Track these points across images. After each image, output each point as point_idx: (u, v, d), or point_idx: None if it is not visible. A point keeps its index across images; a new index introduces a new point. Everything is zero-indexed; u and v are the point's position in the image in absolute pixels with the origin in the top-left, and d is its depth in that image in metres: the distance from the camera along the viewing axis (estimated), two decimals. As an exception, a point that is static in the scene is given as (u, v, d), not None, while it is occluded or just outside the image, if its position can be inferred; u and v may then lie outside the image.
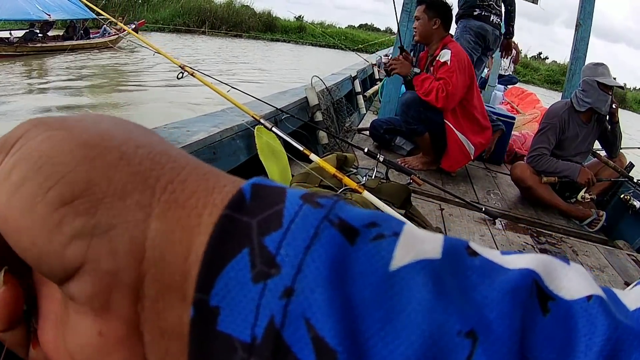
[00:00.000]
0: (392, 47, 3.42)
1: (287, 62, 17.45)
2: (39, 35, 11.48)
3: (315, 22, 35.55)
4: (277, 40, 29.02)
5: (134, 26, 12.85)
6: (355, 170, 1.93)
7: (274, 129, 2.04)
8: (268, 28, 30.14)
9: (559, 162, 2.75)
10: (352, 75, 4.92)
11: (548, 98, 5.24)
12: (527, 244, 2.23)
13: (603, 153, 3.04)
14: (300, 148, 1.88)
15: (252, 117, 2.07)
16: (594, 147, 3.01)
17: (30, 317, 0.21)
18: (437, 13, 2.83)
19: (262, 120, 2.05)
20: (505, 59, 6.84)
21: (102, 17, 4.76)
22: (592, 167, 2.98)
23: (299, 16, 36.01)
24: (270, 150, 2.09)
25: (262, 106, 2.44)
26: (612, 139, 2.87)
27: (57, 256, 0.17)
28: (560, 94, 4.24)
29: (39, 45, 11.21)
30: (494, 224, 2.38)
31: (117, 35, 13.07)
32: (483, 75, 5.61)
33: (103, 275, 0.17)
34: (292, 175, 2.00)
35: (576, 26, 4.00)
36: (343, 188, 1.63)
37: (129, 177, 0.18)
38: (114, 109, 6.72)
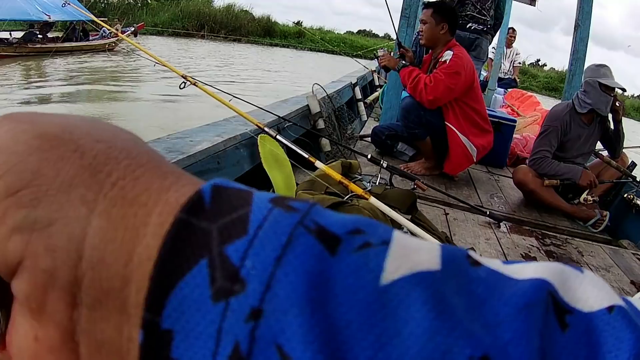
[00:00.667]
0: (392, 52, 3.45)
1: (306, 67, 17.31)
2: (39, 36, 11.59)
3: (314, 28, 35.72)
4: (276, 45, 29.17)
5: (133, 29, 12.91)
6: (360, 177, 1.94)
7: (278, 137, 2.05)
8: (267, 33, 30.36)
9: (560, 164, 2.76)
10: (353, 82, 4.94)
11: (546, 105, 5.24)
12: (533, 246, 2.23)
13: (605, 153, 3.04)
14: (306, 156, 1.89)
15: (257, 125, 2.08)
16: (596, 148, 3.01)
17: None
18: (444, 18, 2.83)
19: (266, 129, 2.07)
20: (505, 62, 6.86)
21: (102, 20, 4.79)
22: (595, 167, 2.99)
23: (298, 22, 36.22)
24: (274, 159, 2.10)
25: (264, 115, 2.45)
26: (615, 139, 2.87)
27: None
28: (559, 101, 4.26)
29: (38, 46, 11.29)
30: (499, 227, 2.38)
31: (116, 38, 13.14)
32: (481, 78, 5.63)
33: (39, 274, 0.15)
34: (297, 184, 2.01)
35: (575, 27, 4.02)
36: (349, 195, 1.64)
37: (78, 170, 0.16)
38: (110, 112, 6.72)
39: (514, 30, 6.83)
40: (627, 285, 1.98)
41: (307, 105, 3.09)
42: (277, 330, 0.13)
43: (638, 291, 1.94)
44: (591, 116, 2.77)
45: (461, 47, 2.95)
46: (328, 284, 0.14)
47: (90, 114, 6.35)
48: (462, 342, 0.13)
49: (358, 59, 7.40)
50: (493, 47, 5.99)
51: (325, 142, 2.98)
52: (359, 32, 44.18)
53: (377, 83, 6.74)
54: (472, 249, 1.85)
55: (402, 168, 2.73)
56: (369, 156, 2.36)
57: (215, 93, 2.33)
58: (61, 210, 0.16)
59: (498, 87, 6.36)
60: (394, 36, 3.32)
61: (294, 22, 34.71)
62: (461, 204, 2.49)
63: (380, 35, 42.36)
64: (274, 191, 1.79)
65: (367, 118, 4.77)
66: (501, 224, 2.41)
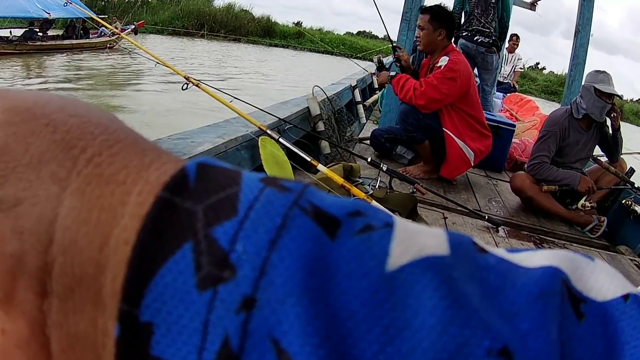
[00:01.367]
0: (391, 55, 3.47)
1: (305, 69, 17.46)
2: (39, 34, 11.57)
3: (314, 28, 35.76)
4: (276, 45, 29.20)
5: (133, 27, 12.93)
6: (361, 180, 1.95)
7: (280, 139, 2.06)
8: (267, 33, 30.40)
9: (559, 170, 2.77)
10: (352, 85, 4.95)
11: (545, 109, 5.26)
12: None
13: (603, 158, 3.05)
14: (308, 158, 1.90)
15: (259, 127, 2.09)
16: (594, 153, 3.02)
17: None
18: (442, 24, 2.83)
19: (268, 131, 2.07)
20: (505, 66, 6.88)
21: (101, 18, 4.78)
22: (593, 172, 3.00)
23: (298, 22, 36.26)
24: (274, 161, 2.11)
25: (264, 116, 2.46)
26: (612, 145, 2.88)
27: None
28: (558, 104, 4.29)
29: (38, 44, 11.28)
30: (497, 231, 2.39)
31: (116, 36, 13.15)
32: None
33: (6, 259, 0.14)
34: (297, 186, 2.02)
35: (575, 32, 4.05)
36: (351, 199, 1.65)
37: (50, 145, 0.15)
38: (110, 108, 6.71)
39: (518, 37, 6.86)
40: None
41: (307, 107, 3.10)
42: (273, 323, 0.12)
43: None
44: (589, 121, 2.78)
45: (459, 52, 2.96)
46: (328, 270, 0.12)
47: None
48: (480, 333, 0.12)
49: (358, 61, 7.40)
50: None
51: (325, 144, 2.99)
52: (359, 33, 44.13)
53: (376, 85, 6.74)
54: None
55: (400, 172, 2.74)
56: (369, 159, 2.37)
57: (217, 94, 2.34)
58: (30, 188, 0.14)
59: (497, 91, 6.37)
60: (393, 38, 3.32)
61: (293, 23, 34.78)
62: (460, 208, 2.50)
63: (380, 37, 42.39)
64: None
65: (367, 121, 4.78)
66: (499, 228, 2.42)
